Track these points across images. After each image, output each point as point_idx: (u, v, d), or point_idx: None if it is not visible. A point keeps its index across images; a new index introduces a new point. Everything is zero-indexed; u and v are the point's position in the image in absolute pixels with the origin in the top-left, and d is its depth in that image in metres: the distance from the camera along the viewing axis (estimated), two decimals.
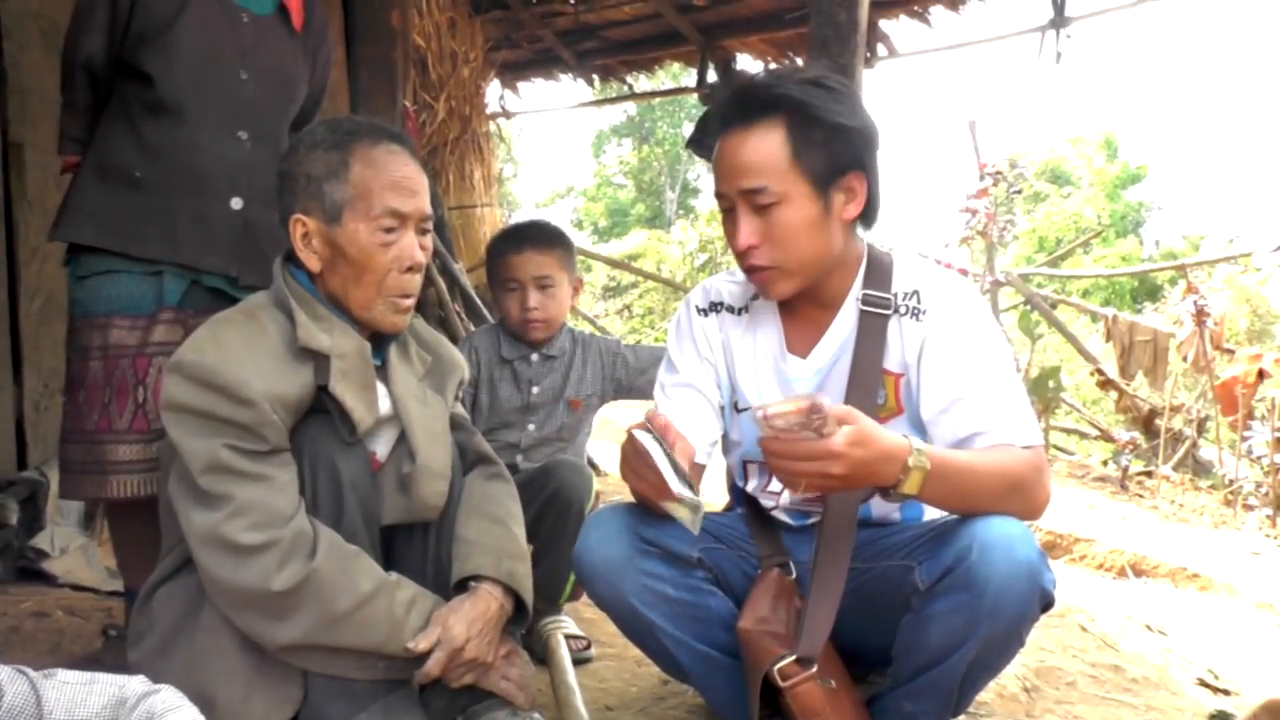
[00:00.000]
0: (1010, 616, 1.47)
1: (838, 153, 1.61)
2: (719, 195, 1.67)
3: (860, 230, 1.72)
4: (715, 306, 1.81)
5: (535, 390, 2.47)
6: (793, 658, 1.52)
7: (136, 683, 1.21)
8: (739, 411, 1.78)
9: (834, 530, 1.60)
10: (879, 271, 1.71)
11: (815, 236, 1.63)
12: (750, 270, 1.67)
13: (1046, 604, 1.51)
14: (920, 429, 1.68)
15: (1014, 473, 1.52)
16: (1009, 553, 1.45)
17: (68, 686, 1.17)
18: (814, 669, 1.51)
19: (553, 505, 2.23)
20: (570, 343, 2.53)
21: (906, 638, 1.56)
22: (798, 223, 1.61)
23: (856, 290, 1.71)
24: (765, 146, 1.60)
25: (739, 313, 1.80)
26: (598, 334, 2.91)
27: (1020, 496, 1.53)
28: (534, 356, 2.48)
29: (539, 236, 2.47)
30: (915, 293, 1.69)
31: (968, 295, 1.70)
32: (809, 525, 1.76)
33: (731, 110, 1.64)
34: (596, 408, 2.59)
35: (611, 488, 3.63)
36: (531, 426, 2.47)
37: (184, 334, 1.86)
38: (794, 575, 1.70)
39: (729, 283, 1.83)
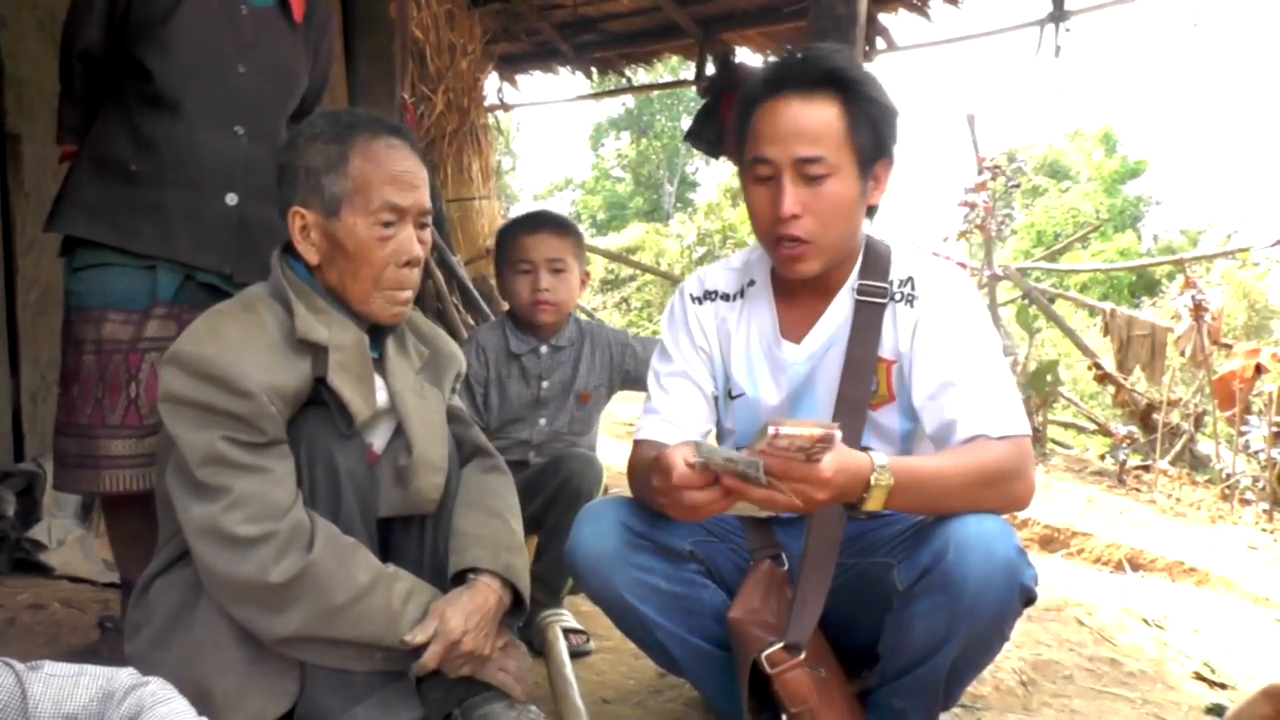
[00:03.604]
0: (990, 615, 1.46)
1: (880, 136, 1.63)
2: (762, 161, 1.62)
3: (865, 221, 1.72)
4: (710, 294, 1.81)
5: (545, 384, 2.46)
6: (781, 645, 1.52)
7: (125, 675, 1.20)
8: (732, 399, 1.78)
9: (824, 518, 1.59)
10: (876, 261, 1.72)
11: (852, 216, 1.65)
12: (783, 241, 1.62)
13: (1028, 599, 1.50)
14: (912, 416, 1.68)
15: (988, 468, 1.50)
16: (985, 552, 1.44)
17: (55, 679, 1.16)
18: (802, 655, 1.52)
19: (561, 495, 2.23)
20: (578, 333, 2.53)
21: (890, 638, 1.56)
22: (843, 198, 1.62)
23: (853, 279, 1.72)
24: (825, 116, 1.60)
25: (732, 299, 1.80)
26: (605, 324, 2.90)
27: (997, 491, 1.51)
28: (543, 349, 2.47)
29: (554, 221, 2.48)
30: (910, 279, 1.69)
31: (961, 283, 1.70)
32: (801, 517, 1.75)
33: (787, 77, 1.62)
34: (605, 400, 2.58)
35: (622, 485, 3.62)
36: (543, 421, 2.47)
37: (178, 329, 1.84)
38: (786, 567, 1.70)
39: (723, 270, 1.84)
